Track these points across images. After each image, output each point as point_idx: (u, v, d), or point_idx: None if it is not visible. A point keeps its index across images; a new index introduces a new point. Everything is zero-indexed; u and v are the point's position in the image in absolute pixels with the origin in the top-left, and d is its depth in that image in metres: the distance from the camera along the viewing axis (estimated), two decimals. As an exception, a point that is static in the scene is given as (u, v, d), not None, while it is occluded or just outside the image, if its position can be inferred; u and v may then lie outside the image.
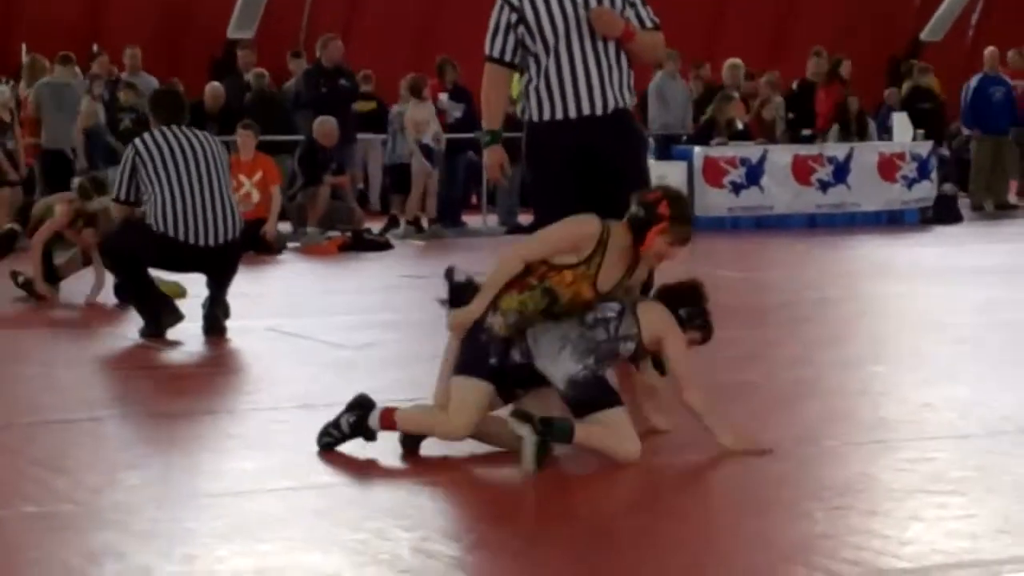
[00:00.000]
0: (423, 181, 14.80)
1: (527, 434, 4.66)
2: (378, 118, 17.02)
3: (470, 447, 5.04)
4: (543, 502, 4.63)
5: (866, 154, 15.91)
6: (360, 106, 17.02)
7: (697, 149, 15.31)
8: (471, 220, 16.09)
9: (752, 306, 9.02)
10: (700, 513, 4.50)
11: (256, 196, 13.34)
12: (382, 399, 5.19)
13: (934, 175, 16.07)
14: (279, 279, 11.48)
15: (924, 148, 16.14)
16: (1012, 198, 18.08)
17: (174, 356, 7.58)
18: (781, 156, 15.60)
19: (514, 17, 5.87)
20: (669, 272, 5.51)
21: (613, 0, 5.85)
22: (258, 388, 6.63)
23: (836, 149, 15.94)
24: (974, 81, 17.64)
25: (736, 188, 15.26)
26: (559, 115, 5.87)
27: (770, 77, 17.37)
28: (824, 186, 15.67)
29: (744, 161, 15.33)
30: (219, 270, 8.02)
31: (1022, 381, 6.35)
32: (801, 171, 15.60)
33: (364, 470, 4.84)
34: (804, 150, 15.85)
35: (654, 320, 5.02)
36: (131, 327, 8.07)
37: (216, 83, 16.68)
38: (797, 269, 11.96)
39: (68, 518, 4.31)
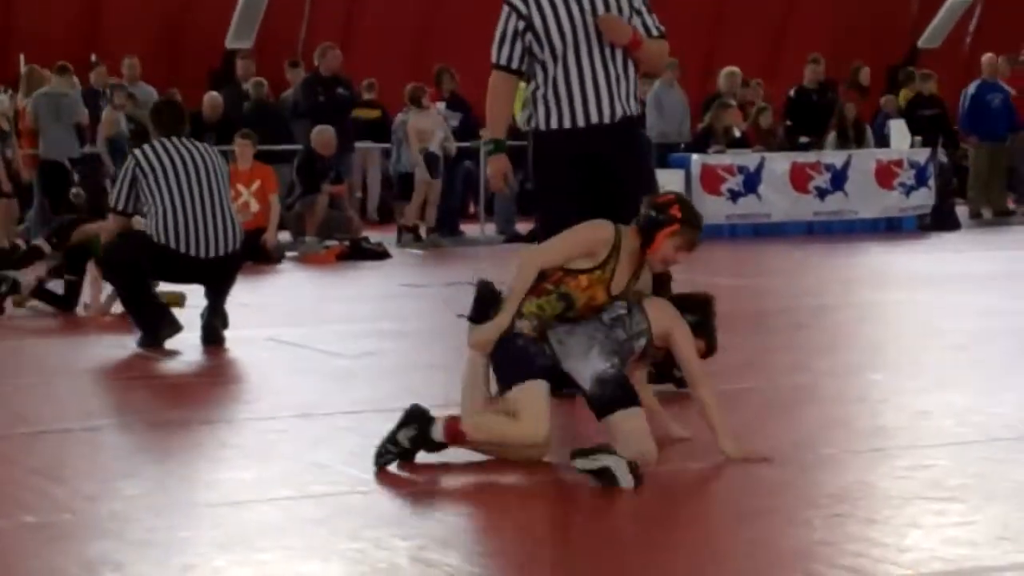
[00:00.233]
0: (424, 189, 14.79)
1: (613, 462, 4.56)
2: (381, 127, 17.05)
3: (467, 456, 5.03)
4: (542, 511, 4.62)
5: (864, 161, 15.92)
6: (365, 114, 17.04)
7: (695, 157, 15.32)
8: (469, 229, 16.10)
9: (750, 313, 9.02)
10: (699, 520, 4.50)
11: (255, 205, 13.35)
12: (381, 409, 5.19)
13: (932, 182, 16.08)
14: (277, 288, 11.48)
15: (922, 155, 16.16)
16: (1010, 204, 18.10)
17: (172, 366, 7.58)
18: (779, 164, 15.61)
19: (522, 24, 5.87)
20: (681, 283, 5.54)
21: (621, 8, 5.85)
22: (256, 397, 6.63)
23: (834, 156, 15.95)
24: (972, 88, 17.66)
25: (734, 196, 15.27)
26: (567, 123, 5.87)
27: (754, 83, 17.51)
28: (822, 193, 15.68)
29: (742, 169, 15.34)
30: (218, 281, 8.02)
31: (1020, 388, 6.35)
32: (799, 179, 15.61)
33: (362, 479, 4.83)
34: (802, 158, 15.87)
35: (661, 315, 5.06)
36: (129, 337, 8.07)
37: (214, 93, 16.70)
38: (795, 276, 11.97)
39: (65, 527, 4.31)
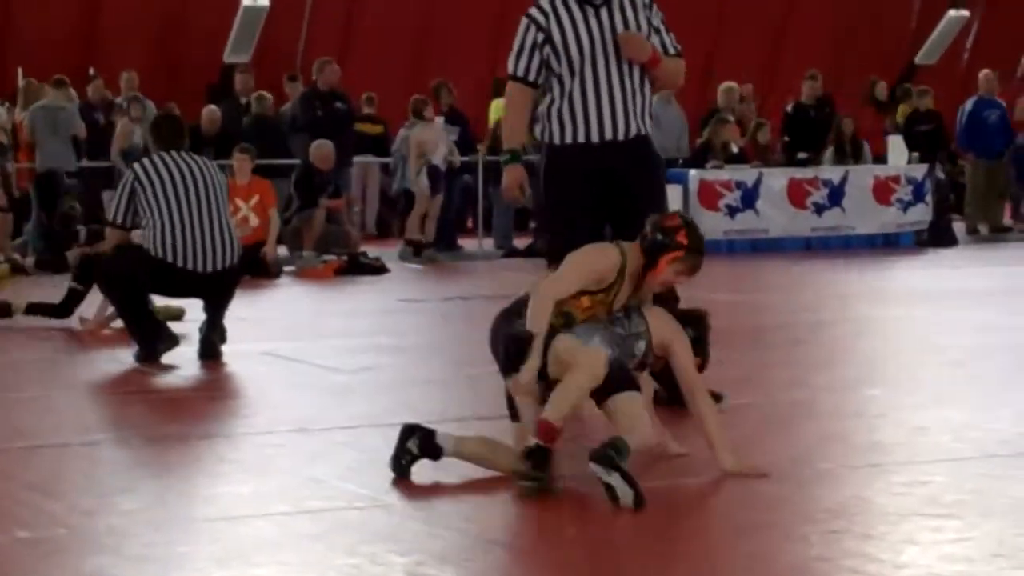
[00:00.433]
0: (425, 203, 14.78)
1: (618, 483, 4.55)
2: (382, 142, 17.08)
3: (463, 471, 5.03)
4: (539, 525, 4.62)
5: (861, 177, 15.94)
6: (369, 129, 17.06)
7: (692, 172, 15.33)
8: (467, 244, 16.10)
9: (748, 329, 9.02)
10: (697, 534, 4.49)
11: (254, 220, 13.35)
12: (378, 424, 5.19)
13: (929, 198, 16.10)
14: (275, 303, 11.48)
15: (919, 171, 16.18)
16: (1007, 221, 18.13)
17: (169, 380, 7.58)
18: (776, 179, 15.63)
19: (540, 37, 5.87)
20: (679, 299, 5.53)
21: (639, 25, 5.87)
22: (254, 412, 6.63)
23: (831, 172, 15.97)
24: (969, 104, 17.70)
25: (731, 211, 15.28)
26: (580, 138, 5.86)
27: (748, 102, 17.62)
28: (819, 209, 15.70)
29: (739, 184, 15.35)
30: (216, 296, 8.02)
31: (1017, 404, 6.35)
32: (796, 194, 15.63)
33: (359, 495, 4.83)
34: (799, 173, 15.88)
35: (662, 325, 5.09)
36: (127, 351, 8.07)
37: (213, 107, 16.72)
38: (792, 292, 11.97)
39: (62, 542, 4.31)
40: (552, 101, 5.91)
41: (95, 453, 5.67)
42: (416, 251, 14.68)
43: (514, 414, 5.07)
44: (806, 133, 16.85)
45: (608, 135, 5.85)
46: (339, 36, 20.95)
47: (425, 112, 14.97)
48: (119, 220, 8.01)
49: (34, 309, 9.57)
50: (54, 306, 9.51)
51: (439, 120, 15.78)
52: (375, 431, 5.72)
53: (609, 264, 5.00)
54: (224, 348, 8.00)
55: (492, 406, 5.91)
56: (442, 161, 14.79)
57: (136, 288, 7.90)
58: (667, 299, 5.50)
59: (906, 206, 15.99)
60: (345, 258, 13.71)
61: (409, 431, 5.04)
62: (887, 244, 15.85)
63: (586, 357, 4.81)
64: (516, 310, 5.02)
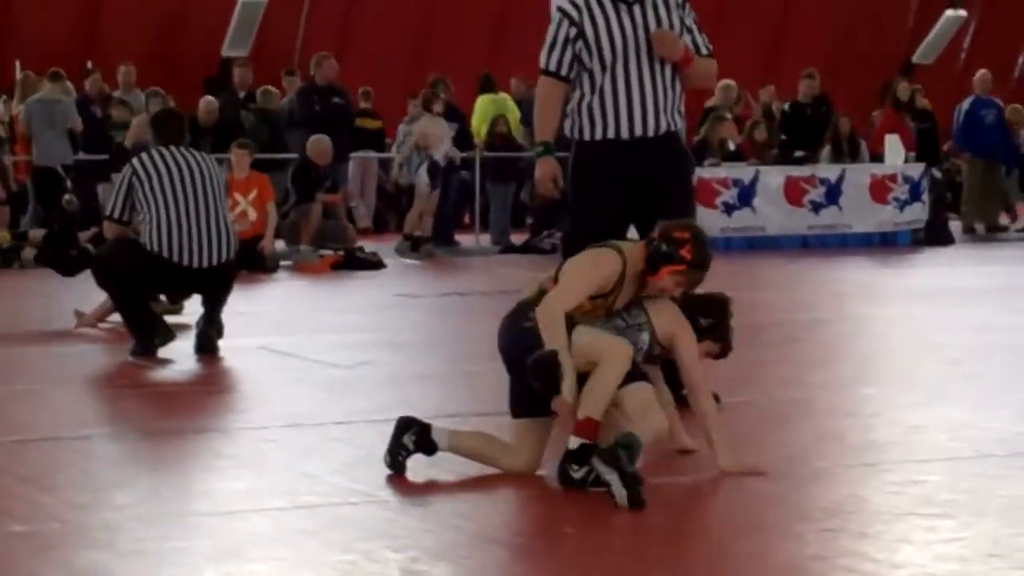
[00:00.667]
0: (426, 197, 14.76)
1: (615, 483, 4.54)
2: (380, 136, 17.05)
3: (459, 468, 5.02)
4: (534, 523, 4.62)
5: (858, 176, 15.95)
6: (368, 124, 17.04)
7: (690, 170, 15.32)
8: (463, 239, 16.09)
9: (744, 327, 8.95)
10: (693, 533, 4.49)
11: (252, 214, 13.35)
12: (374, 419, 5.18)
13: (926, 197, 16.11)
14: (271, 297, 11.47)
15: (916, 170, 16.18)
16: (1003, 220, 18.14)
17: (165, 374, 7.57)
18: (773, 177, 15.63)
19: (573, 31, 5.85)
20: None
21: (672, 23, 5.86)
22: (249, 407, 6.62)
23: (828, 171, 15.97)
24: (966, 104, 17.70)
25: (728, 209, 15.28)
26: (611, 134, 5.85)
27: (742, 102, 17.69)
28: (816, 207, 15.70)
29: (736, 182, 15.35)
30: (213, 291, 8.02)
31: (1013, 403, 6.35)
32: (793, 192, 15.63)
33: (354, 491, 4.83)
34: (796, 171, 15.89)
35: (666, 317, 5.06)
36: (122, 345, 8.06)
37: (210, 97, 16.68)
38: (789, 290, 11.97)
39: (55, 537, 4.30)
40: (582, 97, 5.89)
41: (89, 447, 5.66)
42: (413, 246, 14.67)
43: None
44: (803, 132, 16.85)
45: (638, 131, 5.84)
46: (337, 31, 20.95)
47: (434, 106, 14.97)
48: (116, 214, 8.00)
49: (44, 257, 9.56)
50: (64, 261, 9.50)
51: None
52: (371, 427, 5.71)
53: (612, 271, 4.98)
54: (220, 342, 7.99)
55: (489, 402, 5.91)
56: (443, 157, 14.78)
57: (132, 282, 7.89)
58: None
59: (903, 205, 16.00)
60: (342, 253, 13.71)
61: (405, 425, 5.03)
62: (884, 243, 15.86)
63: (610, 346, 4.81)
64: (522, 311, 4.99)
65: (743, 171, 15.50)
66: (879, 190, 15.93)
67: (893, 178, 16.03)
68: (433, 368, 7.68)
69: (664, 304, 5.10)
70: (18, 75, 16.56)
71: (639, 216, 5.87)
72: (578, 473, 4.73)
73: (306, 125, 15.14)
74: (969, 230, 17.35)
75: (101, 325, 9.07)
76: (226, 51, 19.79)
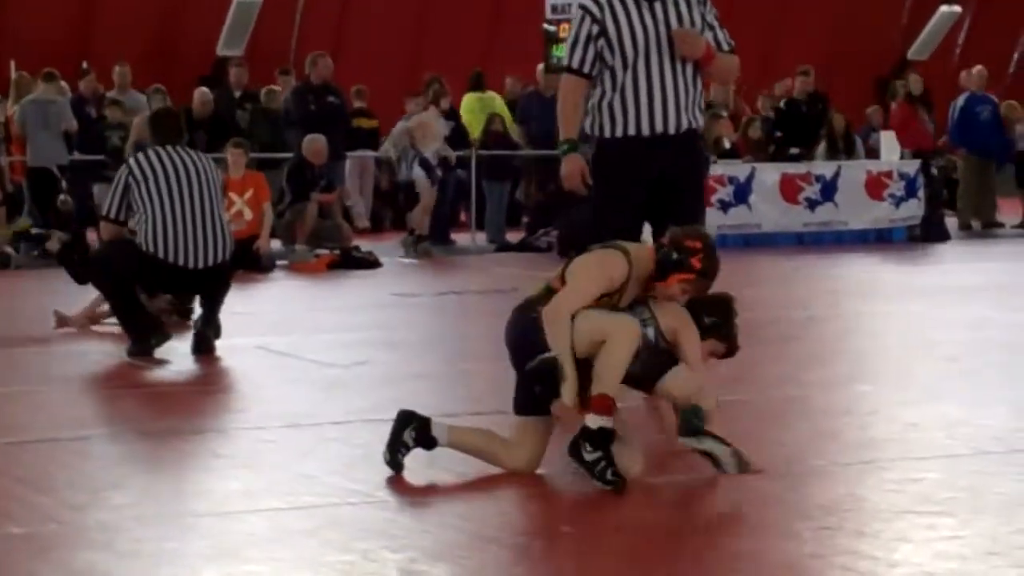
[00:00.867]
0: (428, 192, 14.74)
1: (713, 445, 4.85)
2: (376, 135, 17.03)
3: (457, 467, 5.02)
4: (531, 522, 4.62)
5: (853, 172, 15.95)
6: (365, 123, 17.03)
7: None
8: (459, 238, 16.09)
9: (740, 324, 9.01)
10: (689, 531, 4.49)
11: (248, 214, 13.34)
12: (371, 419, 5.18)
13: (921, 193, 16.12)
14: (268, 297, 11.47)
15: (912, 167, 16.19)
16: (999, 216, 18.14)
17: (162, 375, 7.56)
18: (769, 174, 15.63)
19: (595, 29, 5.85)
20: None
21: (694, 20, 5.86)
22: (246, 407, 6.61)
23: (823, 167, 15.98)
24: (961, 100, 17.70)
25: (724, 206, 15.28)
26: (631, 131, 5.86)
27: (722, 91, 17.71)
28: (812, 204, 15.71)
29: (732, 179, 15.35)
30: (210, 291, 8.01)
31: (1010, 400, 6.35)
32: (789, 189, 15.63)
33: (351, 491, 4.82)
34: (792, 168, 15.89)
35: (670, 315, 5.08)
36: (118, 346, 8.05)
37: (204, 89, 16.63)
38: (785, 287, 11.97)
39: (52, 538, 4.29)
40: (603, 94, 5.89)
41: (87, 448, 5.65)
42: (417, 242, 14.67)
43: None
44: (798, 128, 16.85)
45: (659, 128, 5.84)
46: (332, 30, 20.93)
47: (441, 101, 14.97)
48: (112, 214, 7.99)
49: (65, 257, 9.59)
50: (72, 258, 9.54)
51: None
52: (368, 426, 5.70)
53: (616, 275, 4.98)
54: (216, 342, 7.98)
55: (486, 401, 5.91)
56: (433, 155, 14.77)
57: (127, 283, 7.88)
58: None
59: (898, 201, 16.01)
60: (338, 252, 13.70)
61: (405, 420, 5.01)
62: (879, 239, 15.86)
63: (616, 324, 4.82)
64: (530, 306, 4.98)
65: (739, 168, 15.50)
66: (875, 187, 15.94)
67: (889, 175, 16.03)
68: (430, 367, 7.67)
69: (668, 302, 5.11)
70: (13, 75, 16.53)
71: (654, 213, 5.86)
72: (591, 455, 4.73)
73: (301, 124, 15.13)
74: (965, 227, 17.35)
75: (95, 328, 9.04)
76: (221, 50, 19.78)
